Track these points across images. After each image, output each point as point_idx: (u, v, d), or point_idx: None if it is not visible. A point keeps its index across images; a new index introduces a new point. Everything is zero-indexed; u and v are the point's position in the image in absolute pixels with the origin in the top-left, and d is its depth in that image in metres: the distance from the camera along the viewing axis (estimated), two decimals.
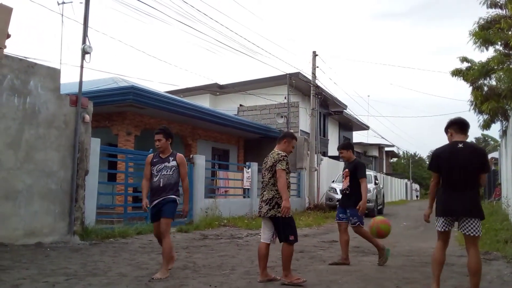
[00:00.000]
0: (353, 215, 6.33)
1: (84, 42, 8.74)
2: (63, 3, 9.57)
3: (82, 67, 8.79)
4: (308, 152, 20.30)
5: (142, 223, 10.27)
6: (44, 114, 8.08)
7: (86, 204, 8.68)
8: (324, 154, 25.09)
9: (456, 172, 4.25)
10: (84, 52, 8.71)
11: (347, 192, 6.48)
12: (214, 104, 24.64)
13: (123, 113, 13.42)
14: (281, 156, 5.10)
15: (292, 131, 20.33)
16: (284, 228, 4.93)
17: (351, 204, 6.35)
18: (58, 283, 4.80)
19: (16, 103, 7.66)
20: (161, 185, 5.45)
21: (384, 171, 43.71)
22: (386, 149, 46.93)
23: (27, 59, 8.13)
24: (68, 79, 11.84)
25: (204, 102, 23.16)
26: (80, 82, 8.82)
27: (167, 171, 5.49)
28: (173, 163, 5.53)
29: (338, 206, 6.93)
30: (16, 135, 7.26)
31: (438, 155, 4.48)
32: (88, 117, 8.81)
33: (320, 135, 23.29)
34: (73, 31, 12.46)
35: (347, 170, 6.57)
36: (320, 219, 14.91)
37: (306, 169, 20.02)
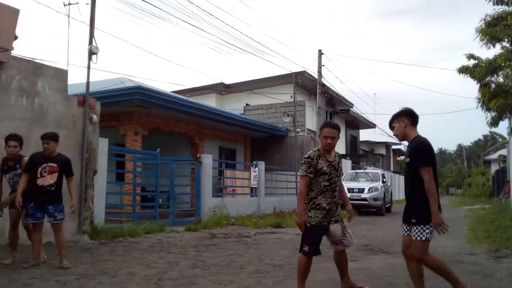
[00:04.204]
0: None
1: (90, 43, 8.79)
2: (69, 4, 9.60)
3: (89, 67, 8.84)
4: None
5: (150, 222, 10.33)
6: (52, 115, 8.14)
7: (95, 203, 8.74)
8: None
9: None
10: (91, 52, 8.75)
11: None
12: (220, 104, 24.66)
13: (130, 113, 13.47)
14: (303, 159, 4.36)
15: (298, 129, 20.32)
16: (302, 237, 4.36)
17: None
18: (69, 282, 4.84)
19: (24, 104, 7.73)
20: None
21: (392, 169, 43.54)
22: (394, 147, 46.73)
23: (35, 60, 8.19)
24: (75, 80, 11.92)
25: (210, 101, 23.18)
26: (87, 83, 8.86)
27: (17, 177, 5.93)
28: (20, 170, 5.90)
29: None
30: (25, 136, 7.26)
31: (430, 148, 3.93)
32: (95, 118, 8.86)
33: None
34: (80, 32, 12.53)
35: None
36: None
37: None
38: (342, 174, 4.53)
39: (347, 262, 4.58)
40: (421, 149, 3.87)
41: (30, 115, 7.79)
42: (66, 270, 5.50)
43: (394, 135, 4.17)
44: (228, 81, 25.42)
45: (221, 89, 25.21)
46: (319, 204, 4.23)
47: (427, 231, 3.80)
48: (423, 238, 3.81)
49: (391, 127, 4.12)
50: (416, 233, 3.84)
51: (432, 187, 3.75)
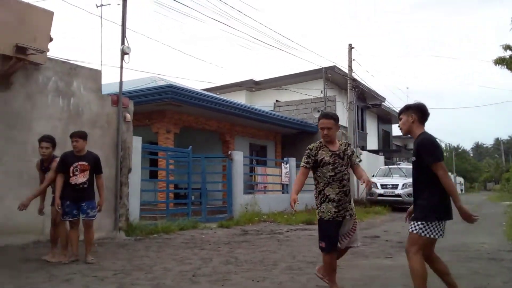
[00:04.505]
0: None
1: (122, 43, 8.95)
2: (102, 5, 9.80)
3: (121, 67, 9.01)
4: None
5: (183, 219, 10.46)
6: (88, 114, 8.34)
7: (130, 201, 8.92)
8: (363, 148, 24.69)
9: None
10: (123, 53, 8.91)
11: None
12: (250, 100, 24.71)
13: (162, 111, 13.66)
14: (306, 150, 4.37)
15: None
16: (318, 233, 4.31)
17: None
18: (107, 278, 4.95)
19: (61, 104, 7.95)
20: None
21: None
22: None
23: (70, 61, 8.41)
24: (108, 80, 12.18)
25: (240, 98, 23.26)
26: (121, 82, 9.04)
27: None
28: None
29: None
30: (62, 135, 7.51)
31: (439, 145, 3.80)
32: (129, 116, 9.03)
33: (358, 129, 22.94)
34: (112, 32, 12.78)
35: None
36: (360, 214, 14.66)
37: None
38: (358, 160, 4.45)
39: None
40: (430, 145, 3.70)
41: (67, 115, 8.01)
42: (104, 266, 5.63)
43: (398, 127, 4.02)
44: (258, 78, 25.47)
45: (251, 86, 25.26)
46: (328, 196, 4.19)
47: (426, 227, 3.58)
48: (419, 233, 3.60)
49: (399, 118, 3.98)
50: (413, 226, 3.66)
51: (449, 181, 3.57)
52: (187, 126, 14.72)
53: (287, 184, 15.53)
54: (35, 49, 6.84)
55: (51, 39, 7.24)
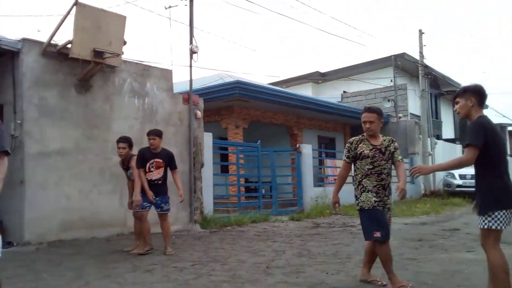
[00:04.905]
0: None
1: (191, 42, 9.21)
2: (170, 7, 10.15)
3: (191, 66, 9.28)
4: (420, 136, 19.25)
5: (255, 212, 10.62)
6: (161, 113, 8.70)
7: (203, 194, 9.20)
8: (438, 137, 23.56)
9: (504, 153, 3.53)
10: (192, 52, 9.18)
11: None
12: (317, 93, 24.44)
13: (231, 107, 13.92)
14: (347, 144, 4.39)
15: (400, 115, 19.43)
16: (365, 225, 4.21)
17: None
18: (185, 268, 5.16)
19: (136, 104, 8.35)
20: None
21: (509, 152, 39.88)
22: (509, 128, 42.66)
23: (142, 62, 8.80)
24: (178, 79, 12.60)
25: (306, 91, 23.09)
26: (190, 81, 9.32)
27: (132, 176, 6.37)
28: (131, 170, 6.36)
29: None
30: (139, 134, 7.89)
31: (486, 128, 3.44)
32: (200, 113, 9.30)
33: (432, 117, 21.91)
34: (180, 32, 13.18)
35: None
36: (437, 206, 14.07)
37: (419, 154, 19.02)
38: (400, 158, 4.36)
39: (376, 255, 4.31)
40: (473, 127, 3.46)
41: (142, 114, 8.40)
42: (182, 257, 5.87)
43: (455, 110, 3.75)
44: (324, 69, 25.10)
45: (317, 78, 24.98)
46: (366, 187, 4.20)
47: (489, 219, 3.37)
48: (485, 227, 3.40)
49: (455, 101, 3.72)
50: (480, 220, 3.45)
51: (463, 160, 3.44)
52: (255, 120, 14.88)
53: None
54: (111, 53, 7.21)
55: (125, 43, 7.59)
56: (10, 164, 7.45)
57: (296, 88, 22.76)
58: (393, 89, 20.17)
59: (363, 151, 4.22)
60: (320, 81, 25.33)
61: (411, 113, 21.65)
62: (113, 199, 7.46)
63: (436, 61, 51.39)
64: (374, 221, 4.10)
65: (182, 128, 9.01)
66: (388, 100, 20.22)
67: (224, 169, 13.94)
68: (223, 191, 12.55)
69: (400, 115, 19.90)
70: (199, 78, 14.63)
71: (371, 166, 4.19)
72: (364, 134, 4.34)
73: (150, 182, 6.11)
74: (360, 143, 4.28)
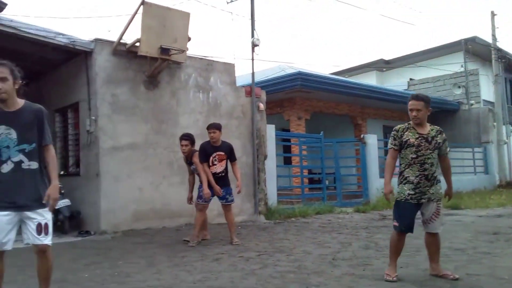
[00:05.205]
0: None
1: (252, 35, 9.29)
2: (231, 1, 10.28)
3: (252, 59, 9.37)
4: (495, 124, 18.15)
5: (319, 203, 10.57)
6: (225, 106, 8.87)
7: (267, 186, 9.30)
8: None
9: None
10: (254, 45, 9.25)
11: None
12: (381, 81, 23.73)
13: (293, 98, 13.88)
14: (392, 131, 4.33)
15: (472, 101, 18.43)
16: (393, 212, 4.34)
17: None
18: (251, 258, 5.25)
19: (201, 98, 8.57)
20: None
21: None
22: None
23: (206, 58, 8.99)
24: (239, 72, 12.76)
25: (370, 79, 22.48)
26: (252, 74, 9.41)
27: (195, 171, 6.53)
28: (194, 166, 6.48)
29: None
30: (203, 127, 8.08)
31: None
32: (262, 106, 9.38)
33: (507, 104, 20.55)
34: (242, 26, 13.30)
35: None
36: None
37: (494, 143, 17.95)
38: (447, 151, 4.29)
39: (436, 247, 4.32)
40: None
41: (206, 108, 8.61)
42: (248, 247, 5.98)
43: None
44: (388, 56, 24.30)
45: (381, 65, 24.24)
46: (407, 177, 4.16)
47: None
48: None
49: None
50: None
51: None
52: (317, 111, 14.74)
53: None
54: (177, 49, 7.45)
55: (189, 39, 7.80)
56: (87, 158, 7.98)
57: (359, 77, 22.24)
58: (463, 75, 19.13)
59: (409, 139, 4.15)
60: (384, 69, 24.55)
61: (484, 100, 20.42)
62: (181, 191, 7.72)
63: (510, 44, 48.00)
64: (399, 213, 4.22)
65: (245, 120, 9.14)
66: (459, 87, 19.20)
67: (287, 161, 13.95)
68: (286, 182, 12.60)
69: (472, 102, 18.86)
70: (261, 70, 14.71)
71: (414, 156, 4.12)
72: (411, 122, 4.26)
73: (214, 175, 6.26)
74: (406, 131, 4.21)
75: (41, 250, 3.13)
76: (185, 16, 7.67)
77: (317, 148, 12.20)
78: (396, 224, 4.21)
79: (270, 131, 9.83)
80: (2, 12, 6.90)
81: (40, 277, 3.23)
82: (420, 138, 4.13)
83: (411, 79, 21.98)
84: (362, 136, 12.97)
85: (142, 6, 7.13)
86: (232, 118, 8.94)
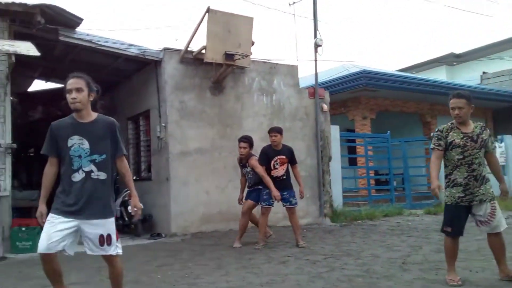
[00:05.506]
0: None
1: (315, 36, 9.25)
2: (294, 3, 10.29)
3: (316, 60, 9.32)
4: None
5: (387, 205, 10.31)
6: (288, 109, 8.91)
7: (332, 188, 9.21)
8: None
9: None
10: (316, 45, 9.21)
11: None
12: (451, 76, 22.63)
13: (357, 98, 13.63)
14: (436, 131, 4.22)
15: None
16: (443, 216, 4.25)
17: None
18: (318, 262, 5.24)
19: (264, 101, 8.68)
20: (250, 184, 6.61)
21: None
22: None
23: (269, 61, 9.08)
24: (303, 73, 12.73)
25: (439, 75, 21.53)
26: (316, 75, 9.36)
27: (249, 174, 6.56)
28: (249, 168, 6.46)
29: None
30: (267, 130, 8.16)
31: None
32: (326, 107, 9.31)
33: None
34: (305, 27, 13.29)
35: None
36: None
37: None
38: (493, 147, 4.16)
39: (501, 247, 4.15)
40: None
41: (270, 111, 8.70)
42: (314, 250, 5.97)
43: None
44: (459, 50, 23.14)
45: (451, 60, 23.13)
46: (454, 180, 4.04)
47: None
48: None
49: None
50: None
51: None
52: (383, 110, 14.36)
53: (503, 165, 13.78)
54: (241, 54, 7.60)
55: (253, 43, 7.93)
56: (158, 163, 8.35)
57: (427, 73, 21.38)
58: None
59: (454, 140, 4.04)
60: (455, 63, 23.41)
61: None
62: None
63: None
64: (449, 217, 4.13)
65: (308, 122, 9.12)
66: None
67: (353, 162, 13.72)
68: (352, 184, 12.38)
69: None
70: (324, 70, 14.57)
71: (461, 156, 4.01)
72: (454, 121, 4.14)
73: (276, 178, 6.30)
74: (450, 131, 4.09)
75: (107, 259, 3.23)
76: (249, 21, 7.80)
77: (384, 148, 11.90)
78: (448, 229, 4.11)
79: (334, 132, 9.74)
80: (78, 27, 7.38)
81: (112, 282, 3.36)
82: (465, 138, 4.01)
83: (484, 72, 20.77)
84: (431, 134, 12.47)
85: (207, 14, 7.35)
86: (296, 120, 8.96)
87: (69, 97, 3.13)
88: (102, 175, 3.17)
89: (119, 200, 8.21)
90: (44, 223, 3.08)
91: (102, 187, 3.18)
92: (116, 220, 8.25)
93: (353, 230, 7.88)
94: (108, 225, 3.17)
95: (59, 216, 3.06)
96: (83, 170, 3.12)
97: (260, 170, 6.27)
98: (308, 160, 8.88)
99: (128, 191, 8.54)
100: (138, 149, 9.17)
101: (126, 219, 8.01)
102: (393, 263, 5.04)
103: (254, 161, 6.39)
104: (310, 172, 8.86)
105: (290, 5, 10.24)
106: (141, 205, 3.30)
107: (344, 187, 10.48)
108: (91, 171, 3.13)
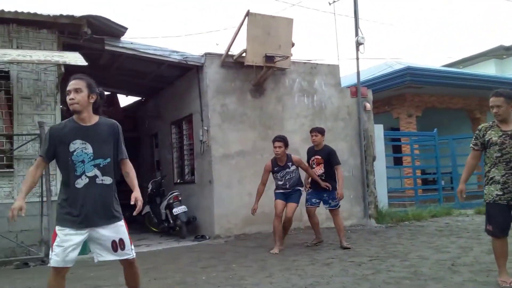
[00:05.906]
0: None
1: (357, 34, 9.12)
2: (334, 2, 10.19)
3: (357, 58, 9.20)
4: None
5: (435, 205, 10.01)
6: (330, 109, 8.82)
7: (377, 188, 9.04)
8: None
9: None
10: (358, 43, 9.08)
11: None
12: (501, 70, 21.67)
13: (401, 95, 13.31)
14: (476, 130, 4.21)
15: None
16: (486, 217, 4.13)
17: None
18: (363, 263, 5.16)
19: (305, 102, 8.64)
20: (287, 186, 6.32)
21: None
22: None
23: (310, 61, 9.03)
24: (343, 72, 12.58)
25: (488, 69, 20.66)
26: (358, 73, 9.23)
27: (290, 175, 6.28)
28: (293, 167, 6.28)
29: None
30: (309, 131, 8.12)
31: None
32: (369, 105, 9.15)
33: None
34: (346, 26, 13.11)
35: None
36: None
37: None
38: None
39: None
40: None
41: (311, 112, 8.65)
42: (359, 252, 5.89)
43: None
44: (508, 42, 22.14)
45: (501, 52, 22.15)
46: (492, 177, 3.98)
47: None
48: None
49: None
50: None
51: None
52: (429, 107, 13.95)
53: None
54: (281, 56, 7.60)
55: (293, 44, 7.91)
56: (201, 167, 8.47)
57: (475, 67, 20.58)
58: None
59: (491, 138, 4.01)
60: (505, 56, 22.41)
61: None
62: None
63: None
64: (490, 215, 4.05)
65: (351, 122, 8.99)
66: None
67: (398, 161, 13.41)
68: (397, 184, 12.10)
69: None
70: (366, 68, 14.35)
71: (499, 154, 3.95)
72: (495, 120, 4.11)
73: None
74: (489, 130, 4.07)
75: (123, 262, 3.16)
76: (289, 22, 7.78)
77: (431, 146, 11.56)
78: (490, 228, 4.01)
79: (378, 131, 9.55)
80: (123, 36, 7.63)
81: (128, 284, 3.28)
82: (503, 136, 3.95)
83: None
84: None
85: (247, 17, 7.41)
86: (338, 120, 8.86)
87: (67, 98, 3.01)
88: (107, 180, 3.05)
89: (164, 203, 8.41)
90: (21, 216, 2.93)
91: (107, 192, 3.05)
92: (161, 222, 8.54)
93: (399, 231, 7.70)
94: (119, 229, 3.07)
95: (69, 228, 2.95)
96: (86, 176, 2.98)
97: (306, 166, 6.43)
98: (351, 160, 8.76)
99: (173, 194, 8.74)
100: (182, 153, 9.36)
101: (171, 221, 8.19)
102: (442, 265, 4.89)
103: (298, 158, 6.47)
104: (354, 172, 8.73)
105: (330, 4, 10.14)
106: (141, 199, 3.11)
107: (389, 187, 10.26)
108: (96, 176, 3.00)
